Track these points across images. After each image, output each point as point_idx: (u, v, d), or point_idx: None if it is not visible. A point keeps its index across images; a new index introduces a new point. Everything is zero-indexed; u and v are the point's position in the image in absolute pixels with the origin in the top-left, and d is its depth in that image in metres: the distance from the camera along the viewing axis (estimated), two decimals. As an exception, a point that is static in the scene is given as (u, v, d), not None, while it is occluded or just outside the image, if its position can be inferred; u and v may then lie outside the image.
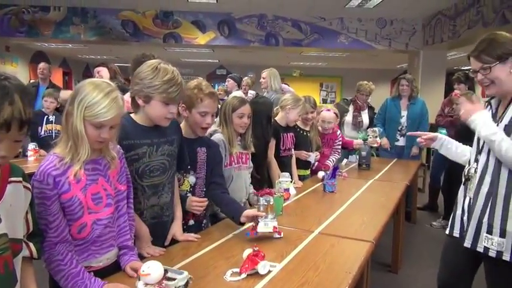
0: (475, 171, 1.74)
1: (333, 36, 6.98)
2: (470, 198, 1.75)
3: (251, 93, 5.42)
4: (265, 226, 1.73)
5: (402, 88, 4.60)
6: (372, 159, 4.00)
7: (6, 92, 0.94)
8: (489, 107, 1.81)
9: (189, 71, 12.34)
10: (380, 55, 8.56)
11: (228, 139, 2.29)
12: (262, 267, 1.42)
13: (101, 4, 6.60)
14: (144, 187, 1.64)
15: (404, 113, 4.62)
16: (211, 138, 2.23)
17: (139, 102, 1.60)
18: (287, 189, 2.51)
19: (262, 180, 2.75)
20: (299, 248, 1.69)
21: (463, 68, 10.14)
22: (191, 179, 2.00)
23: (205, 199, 1.98)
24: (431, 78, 6.63)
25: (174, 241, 1.76)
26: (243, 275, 1.39)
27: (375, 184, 3.18)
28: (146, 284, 1.28)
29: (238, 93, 4.54)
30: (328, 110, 3.78)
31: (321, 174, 3.01)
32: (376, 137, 4.03)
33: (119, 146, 1.52)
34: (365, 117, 4.85)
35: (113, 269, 1.44)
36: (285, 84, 5.57)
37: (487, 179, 1.67)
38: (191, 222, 2.01)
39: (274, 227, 1.75)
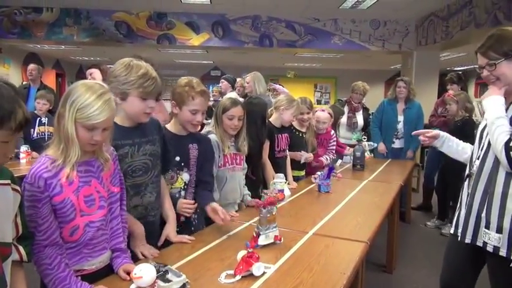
0: (475, 168, 1.74)
1: (327, 37, 6.99)
2: (468, 194, 1.75)
3: (231, 94, 5.37)
4: (267, 238, 1.70)
5: (399, 90, 4.61)
6: (366, 159, 4.00)
7: (13, 95, 0.98)
8: None
9: (183, 72, 12.29)
10: (374, 56, 8.59)
11: (220, 140, 2.29)
12: (256, 268, 1.41)
13: (94, 5, 6.56)
14: (126, 187, 1.63)
15: (401, 118, 4.63)
16: None
17: (117, 100, 1.56)
18: (281, 190, 2.50)
19: (257, 181, 2.75)
20: (294, 249, 1.68)
21: (456, 69, 10.23)
22: (185, 176, 2.00)
23: (194, 201, 1.97)
24: (425, 78, 6.66)
25: (167, 242, 1.74)
26: (238, 277, 1.39)
27: (369, 184, 3.19)
28: (139, 287, 1.27)
29: (233, 95, 4.54)
30: (323, 110, 3.78)
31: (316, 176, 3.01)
32: (366, 151, 4.01)
33: (112, 148, 1.51)
34: (359, 118, 4.86)
35: (106, 272, 1.43)
36: (279, 85, 5.58)
37: (485, 176, 1.67)
38: (182, 218, 2.00)
39: (276, 236, 1.73)
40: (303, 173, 3.42)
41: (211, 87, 7.61)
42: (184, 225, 1.98)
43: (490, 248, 1.64)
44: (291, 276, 1.43)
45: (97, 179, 1.39)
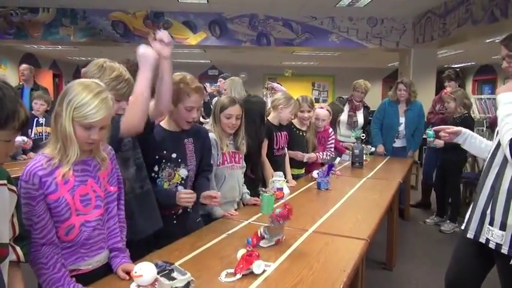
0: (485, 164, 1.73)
1: (324, 36, 6.98)
2: (477, 190, 1.75)
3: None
4: (269, 242, 1.68)
5: (400, 93, 4.59)
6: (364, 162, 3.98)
7: (14, 95, 1.00)
8: None
9: (181, 71, 12.29)
10: (371, 54, 8.59)
11: (219, 138, 2.28)
12: (257, 266, 1.41)
13: (90, 5, 6.53)
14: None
15: (402, 119, 4.62)
16: None
17: None
18: (281, 189, 2.50)
19: (256, 180, 2.74)
20: (293, 247, 1.68)
21: (453, 66, 10.24)
22: (182, 172, 1.99)
23: (192, 191, 1.94)
24: (422, 76, 6.66)
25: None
26: (238, 276, 1.38)
27: (368, 182, 3.18)
28: (139, 286, 1.26)
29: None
30: (322, 107, 3.77)
31: (315, 173, 3.01)
32: (365, 154, 3.98)
33: (110, 147, 1.50)
34: (360, 117, 4.84)
35: (104, 272, 1.42)
36: (277, 83, 5.57)
37: (493, 173, 1.67)
38: (180, 211, 2.01)
39: (278, 239, 1.71)
40: (302, 171, 3.41)
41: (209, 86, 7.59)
42: (180, 218, 1.98)
43: (492, 245, 1.64)
44: (291, 274, 1.42)
45: (93, 179, 1.38)
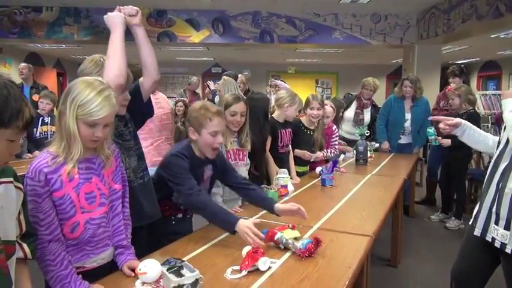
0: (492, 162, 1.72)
1: (328, 32, 6.96)
2: (484, 188, 1.74)
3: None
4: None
5: (406, 90, 4.57)
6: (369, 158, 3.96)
7: (20, 94, 1.00)
8: None
9: (184, 69, 12.30)
10: (375, 50, 8.55)
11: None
12: (262, 263, 1.41)
13: (93, 3, 6.54)
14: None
15: (408, 116, 4.59)
16: None
17: None
18: (285, 186, 2.50)
19: (260, 177, 2.74)
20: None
21: (458, 62, 10.18)
22: None
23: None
24: (427, 72, 6.62)
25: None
26: (244, 272, 1.38)
27: (373, 179, 3.18)
28: (144, 283, 1.27)
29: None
30: (326, 104, 3.76)
31: (318, 169, 3.00)
32: (369, 150, 3.97)
33: (114, 145, 1.50)
34: (367, 115, 4.81)
35: (109, 269, 1.43)
36: (281, 81, 5.56)
37: (500, 170, 1.66)
38: (179, 215, 2.02)
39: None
40: (307, 168, 3.40)
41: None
42: (181, 222, 2.00)
43: (497, 244, 1.63)
44: (297, 271, 1.42)
45: (98, 176, 1.39)
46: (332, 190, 2.72)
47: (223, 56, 11.11)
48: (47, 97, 4.35)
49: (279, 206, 1.90)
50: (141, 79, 1.79)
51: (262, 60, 11.39)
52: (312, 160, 3.33)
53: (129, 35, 1.72)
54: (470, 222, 1.85)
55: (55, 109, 4.32)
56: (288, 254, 1.57)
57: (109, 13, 1.69)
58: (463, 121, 1.98)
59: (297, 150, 3.24)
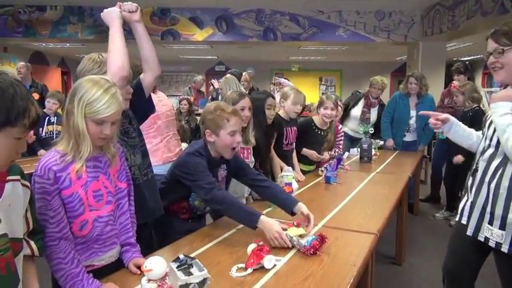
0: (483, 161, 1.71)
1: (332, 30, 6.93)
2: (475, 188, 1.73)
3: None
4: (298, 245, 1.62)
5: (411, 86, 4.54)
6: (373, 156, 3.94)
7: (26, 93, 1.00)
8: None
9: (188, 68, 12.30)
10: (379, 47, 8.50)
11: None
12: (268, 261, 1.42)
13: (97, 2, 6.55)
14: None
15: (413, 113, 4.56)
16: None
17: None
18: (289, 184, 2.50)
19: (265, 174, 2.74)
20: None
21: (462, 59, 10.12)
22: None
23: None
24: (431, 69, 6.58)
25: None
26: (249, 270, 1.39)
27: (377, 176, 3.17)
28: (149, 280, 1.27)
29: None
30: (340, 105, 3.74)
31: (321, 169, 3.00)
32: (374, 148, 3.96)
33: (118, 144, 1.51)
34: (374, 114, 4.78)
35: (116, 267, 1.44)
36: (285, 78, 5.56)
37: (492, 169, 1.65)
38: (199, 212, 2.02)
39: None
40: (313, 167, 3.40)
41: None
42: (190, 225, 1.99)
43: (492, 244, 1.63)
44: (301, 269, 1.43)
45: (104, 175, 1.40)
46: (336, 188, 2.72)
47: (227, 54, 11.10)
48: (53, 97, 4.37)
49: (301, 207, 1.82)
50: (141, 76, 1.81)
51: (266, 58, 11.38)
52: (317, 160, 3.32)
53: (128, 33, 1.73)
54: (456, 218, 1.86)
55: (60, 109, 4.35)
56: (292, 252, 1.57)
57: (105, 9, 1.71)
58: (451, 117, 1.98)
59: (305, 149, 3.23)
